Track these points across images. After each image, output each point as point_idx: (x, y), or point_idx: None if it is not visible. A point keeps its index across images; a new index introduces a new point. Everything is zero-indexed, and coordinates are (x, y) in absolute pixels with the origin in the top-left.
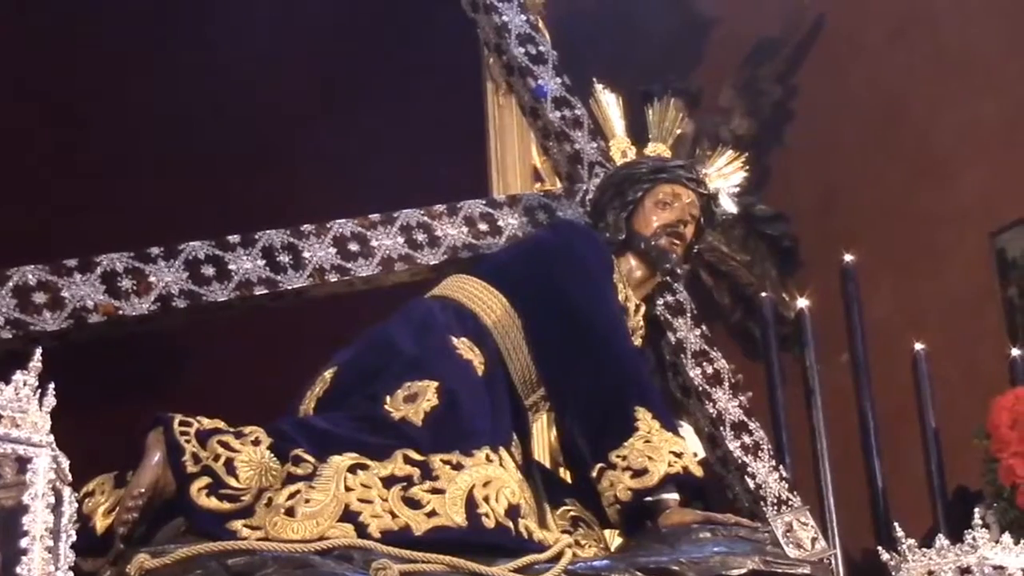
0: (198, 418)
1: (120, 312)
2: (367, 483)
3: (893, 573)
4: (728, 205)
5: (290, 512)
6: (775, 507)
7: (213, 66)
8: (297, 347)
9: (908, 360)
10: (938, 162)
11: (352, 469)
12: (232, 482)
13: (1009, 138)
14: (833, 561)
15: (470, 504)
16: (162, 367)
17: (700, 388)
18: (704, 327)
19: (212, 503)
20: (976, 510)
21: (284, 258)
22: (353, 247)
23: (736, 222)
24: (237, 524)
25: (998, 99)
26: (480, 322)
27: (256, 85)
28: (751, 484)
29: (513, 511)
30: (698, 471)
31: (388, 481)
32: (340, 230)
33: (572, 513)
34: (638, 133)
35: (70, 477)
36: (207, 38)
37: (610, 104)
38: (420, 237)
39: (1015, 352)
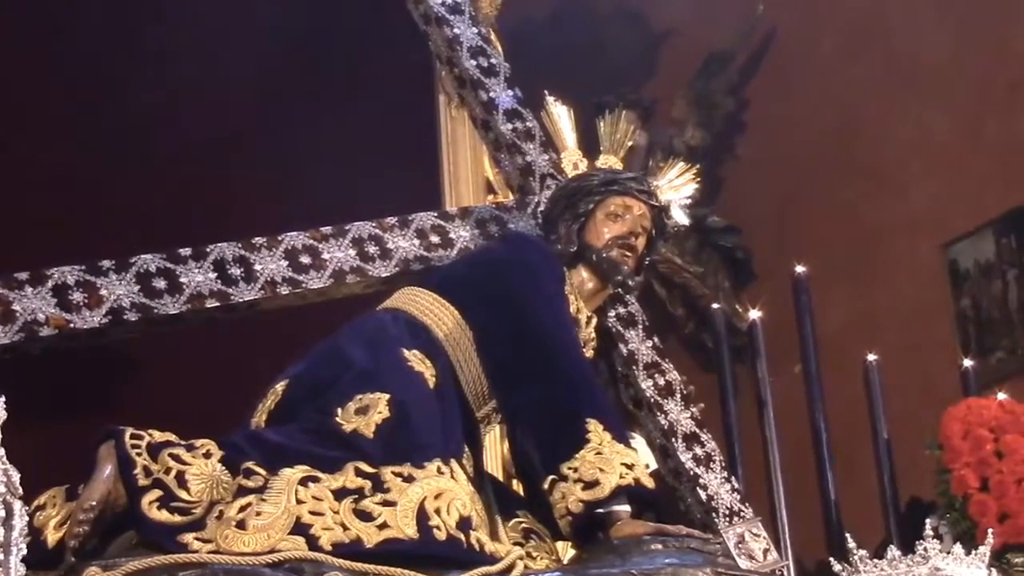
0: (149, 431)
1: (71, 325)
2: (318, 496)
3: None
4: (680, 217)
5: (241, 525)
6: (727, 518)
7: (160, 73)
8: (249, 360)
9: (860, 371)
10: (890, 174)
11: (303, 482)
12: (183, 495)
13: (961, 150)
14: (785, 572)
15: (421, 516)
16: (114, 380)
17: (652, 400)
18: (656, 339)
19: (163, 516)
20: (928, 521)
21: (236, 271)
22: (305, 259)
23: (689, 234)
24: (188, 537)
25: (950, 111)
26: (432, 334)
27: (204, 97)
28: (703, 496)
29: (464, 523)
30: (649, 483)
31: (339, 494)
32: (292, 243)
33: (524, 525)
34: (590, 145)
35: (21, 490)
36: (153, 45)
37: (562, 116)
38: (372, 249)
39: (967, 363)
